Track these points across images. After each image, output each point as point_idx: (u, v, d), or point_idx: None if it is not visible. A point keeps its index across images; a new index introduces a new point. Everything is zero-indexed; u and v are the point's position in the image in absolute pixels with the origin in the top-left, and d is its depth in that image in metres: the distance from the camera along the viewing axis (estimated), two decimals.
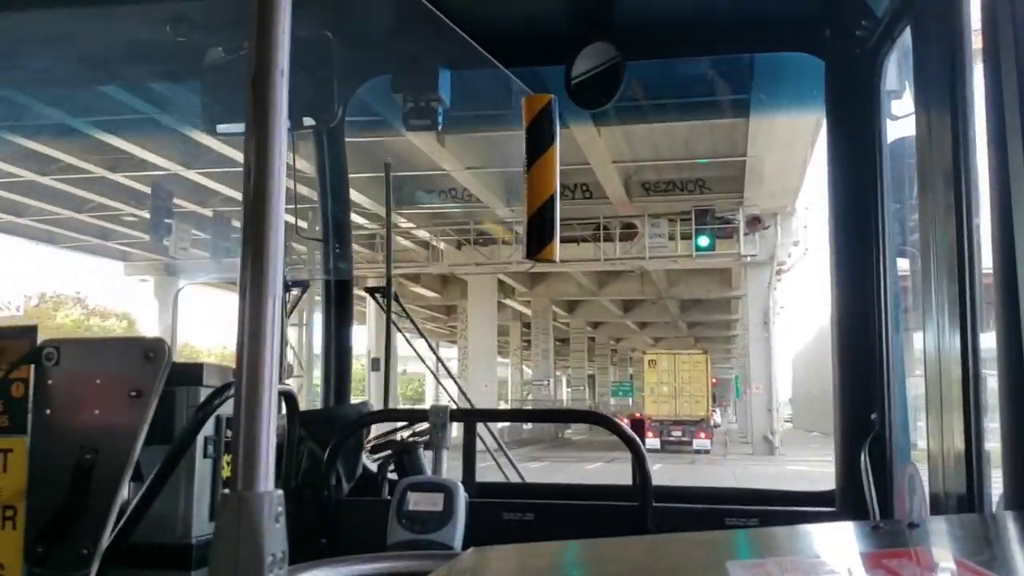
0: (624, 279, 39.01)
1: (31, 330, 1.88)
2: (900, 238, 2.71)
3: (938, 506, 1.99)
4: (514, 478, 3.51)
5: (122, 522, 1.89)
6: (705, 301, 45.28)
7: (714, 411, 39.94)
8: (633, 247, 31.64)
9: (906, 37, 2.36)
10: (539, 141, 2.27)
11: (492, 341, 36.75)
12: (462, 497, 2.77)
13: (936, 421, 1.98)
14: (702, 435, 35.04)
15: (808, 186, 28.78)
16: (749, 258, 31.37)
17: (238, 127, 3.11)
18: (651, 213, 30.33)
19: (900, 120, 2.68)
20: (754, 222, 29.48)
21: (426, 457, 3.27)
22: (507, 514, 2.87)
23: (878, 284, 2.67)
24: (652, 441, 33.18)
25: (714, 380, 42.21)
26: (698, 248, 28.81)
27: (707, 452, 33.60)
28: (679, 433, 34.95)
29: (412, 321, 4.14)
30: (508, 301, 41.54)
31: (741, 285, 35.95)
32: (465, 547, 2.67)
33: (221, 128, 3.17)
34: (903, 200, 2.71)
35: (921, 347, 2.10)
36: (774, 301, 34.75)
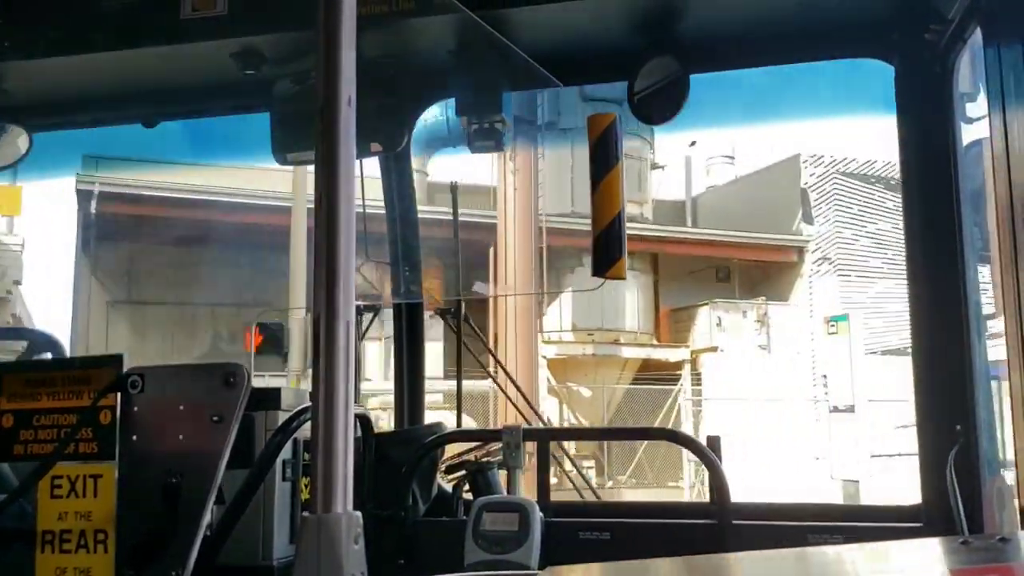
0: None
1: (117, 359, 1.94)
2: (980, 242, 2.64)
3: None
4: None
5: (206, 545, 1.93)
6: None
7: None
8: None
9: (977, 38, 2.31)
10: (604, 159, 2.27)
11: None
12: (538, 517, 2.77)
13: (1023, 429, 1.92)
14: None
15: None
16: None
17: (308, 156, 3.18)
18: None
19: (976, 123, 2.61)
20: None
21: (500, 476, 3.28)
22: (583, 533, 2.85)
23: (959, 291, 2.60)
24: None
25: None
26: None
27: None
28: None
29: (483, 341, 4.17)
30: None
31: None
32: (542, 567, 2.67)
33: (291, 157, 3.24)
34: (982, 203, 2.64)
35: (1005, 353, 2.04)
36: None
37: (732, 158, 27.96)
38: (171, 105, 3.52)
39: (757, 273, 23.60)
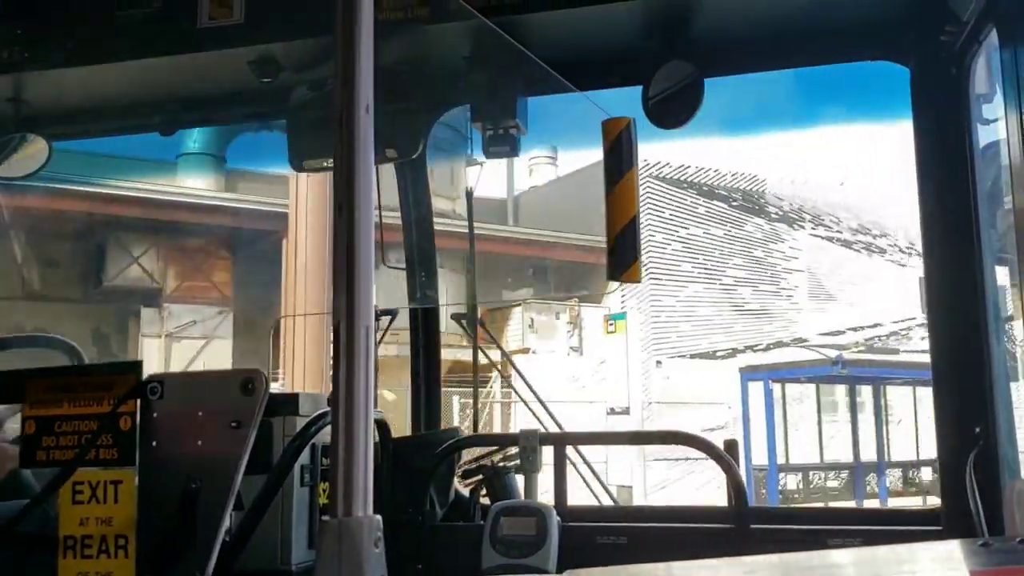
0: None
1: (136, 365, 1.96)
2: (998, 244, 2.63)
3: None
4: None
5: (225, 550, 1.94)
6: None
7: None
8: None
9: (993, 39, 2.30)
10: (619, 164, 2.27)
11: None
12: (555, 521, 2.77)
13: None
14: None
15: None
16: None
17: (326, 162, 3.20)
18: None
19: (992, 124, 2.60)
20: None
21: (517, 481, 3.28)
22: (600, 538, 2.85)
23: (976, 293, 2.59)
24: None
25: None
26: None
27: None
28: None
29: (499, 347, 4.17)
30: None
31: None
32: (559, 571, 2.67)
33: (308, 164, 3.26)
34: (999, 205, 2.63)
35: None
36: None
37: (554, 159, 27.76)
38: (189, 113, 3.55)
39: (572, 274, 23.10)
